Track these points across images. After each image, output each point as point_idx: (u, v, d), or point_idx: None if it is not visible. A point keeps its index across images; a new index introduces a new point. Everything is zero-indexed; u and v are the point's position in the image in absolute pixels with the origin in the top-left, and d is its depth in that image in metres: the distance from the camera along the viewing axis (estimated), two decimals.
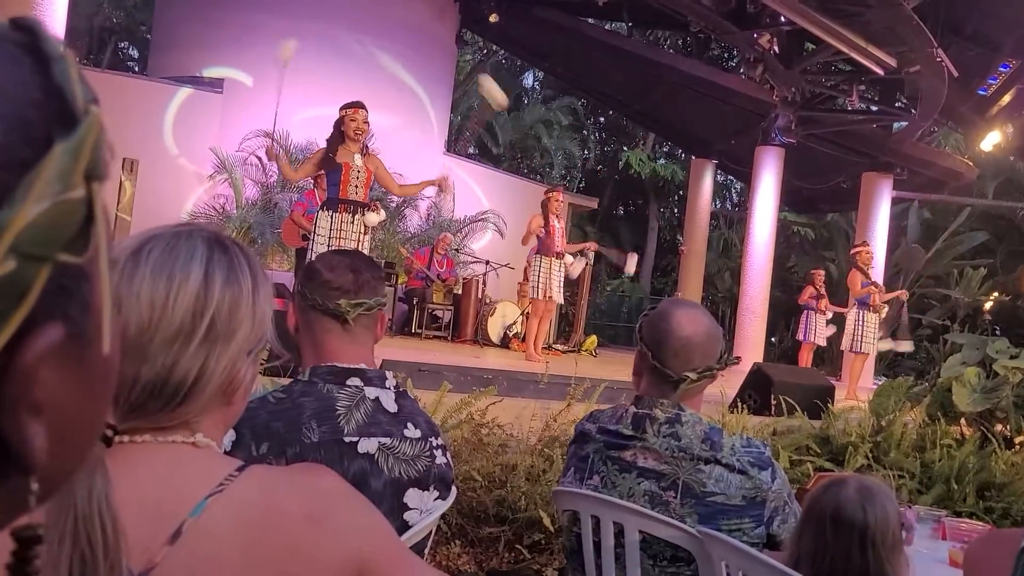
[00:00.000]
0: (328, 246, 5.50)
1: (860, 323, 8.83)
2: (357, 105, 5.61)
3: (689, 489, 1.67)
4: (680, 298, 1.69)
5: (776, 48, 10.90)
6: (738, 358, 1.97)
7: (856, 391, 8.44)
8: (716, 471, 1.67)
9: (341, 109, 5.66)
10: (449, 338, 10.09)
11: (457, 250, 11.84)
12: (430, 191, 12.40)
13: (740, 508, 1.66)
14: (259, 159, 10.91)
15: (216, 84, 11.14)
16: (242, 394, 0.88)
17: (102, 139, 0.33)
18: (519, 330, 9.98)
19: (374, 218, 5.65)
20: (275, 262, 10.29)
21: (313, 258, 5.53)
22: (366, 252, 5.67)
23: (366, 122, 5.64)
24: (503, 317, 10.05)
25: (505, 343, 9.85)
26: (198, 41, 11.45)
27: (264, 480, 0.81)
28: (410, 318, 10.16)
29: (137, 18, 19.11)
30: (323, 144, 5.82)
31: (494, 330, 9.94)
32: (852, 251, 9.41)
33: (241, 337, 0.84)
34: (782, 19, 10.15)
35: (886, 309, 9.10)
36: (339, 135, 5.59)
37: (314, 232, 5.66)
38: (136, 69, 18.87)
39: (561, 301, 8.23)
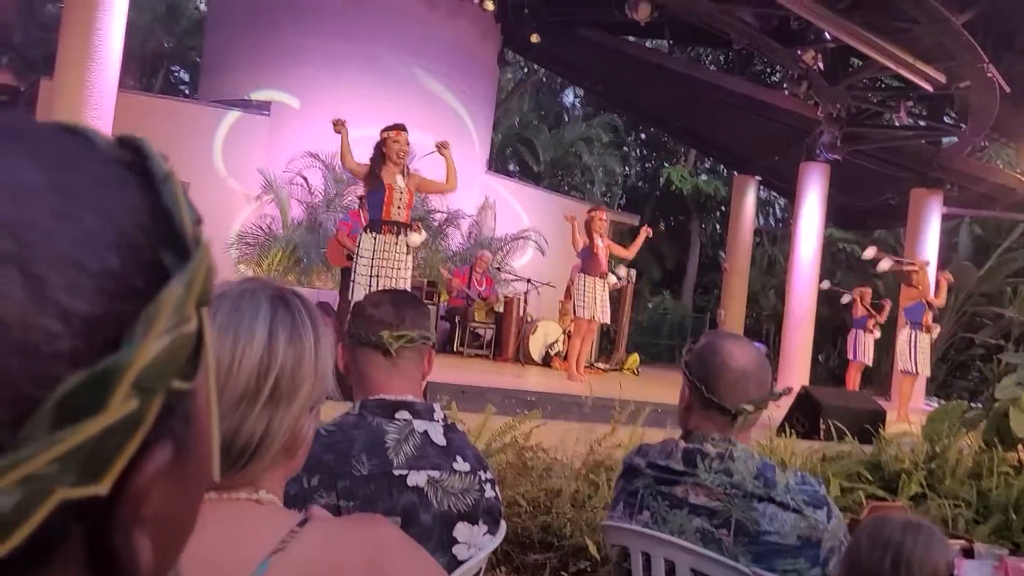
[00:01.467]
0: (371, 266, 5.56)
1: (912, 343, 8.61)
2: (399, 128, 5.66)
3: (742, 527, 1.64)
4: (722, 330, 1.68)
5: (821, 65, 10.78)
6: (789, 389, 1.94)
7: (908, 413, 8.25)
8: (770, 509, 1.64)
9: (382, 132, 5.71)
10: (491, 356, 10.10)
11: (498, 268, 11.86)
12: (470, 209, 12.50)
13: (795, 548, 1.62)
14: (304, 179, 11.08)
15: (264, 107, 11.37)
16: (304, 448, 0.89)
17: (212, 267, 0.34)
18: (561, 349, 9.96)
19: (416, 238, 5.69)
20: (320, 281, 10.42)
21: (355, 278, 5.60)
22: (409, 271, 5.71)
23: (407, 144, 5.68)
24: (545, 335, 10.03)
25: (547, 362, 9.83)
26: (246, 65, 11.70)
27: (324, 535, 0.82)
28: (452, 336, 10.19)
29: (188, 43, 19.59)
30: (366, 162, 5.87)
31: (536, 348, 9.93)
32: (906, 269, 9.14)
33: (304, 394, 0.85)
34: (827, 36, 10.04)
35: (937, 329, 8.89)
36: (380, 157, 5.65)
37: (357, 253, 5.70)
38: (187, 93, 19.32)
39: (607, 321, 8.18)
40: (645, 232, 8.35)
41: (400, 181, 5.63)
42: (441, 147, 6.00)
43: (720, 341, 1.76)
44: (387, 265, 5.58)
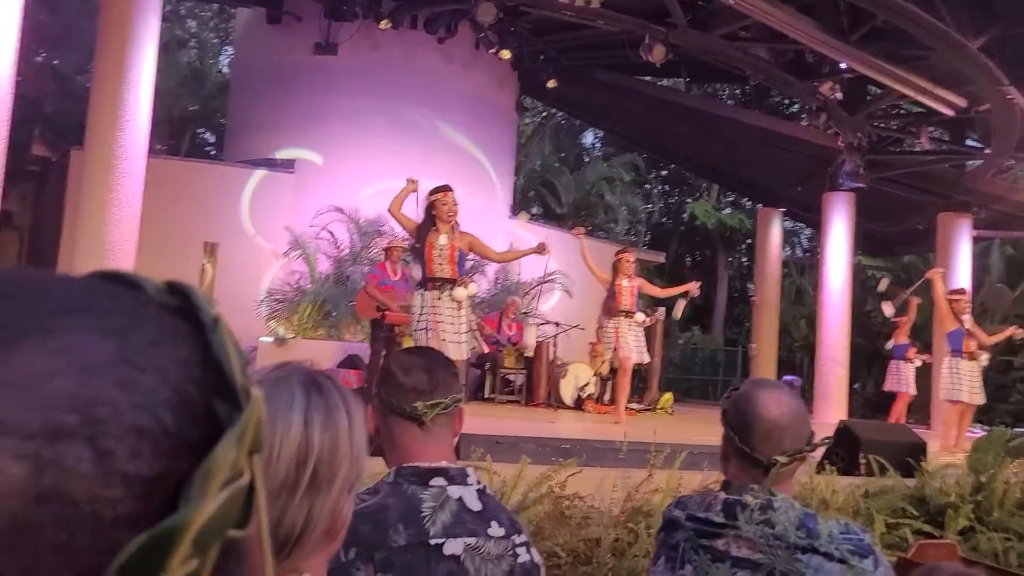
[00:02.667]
0: (420, 322, 5.65)
1: (954, 371, 8.41)
2: (446, 189, 5.80)
3: None
4: (762, 378, 1.66)
5: (839, 95, 10.79)
6: (829, 439, 1.91)
7: (959, 441, 8.04)
8: (815, 560, 1.60)
9: (430, 195, 5.80)
10: (523, 402, 10.06)
11: (526, 313, 11.87)
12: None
13: None
14: (331, 234, 11.22)
15: (288, 165, 11.58)
16: (344, 529, 0.89)
17: (263, 418, 0.35)
18: (593, 391, 9.89)
19: (461, 293, 5.74)
20: (349, 334, 10.48)
21: (414, 335, 5.70)
22: (463, 325, 5.77)
23: (456, 203, 5.78)
24: (576, 378, 9.98)
25: (579, 405, 9.77)
26: (269, 124, 11.94)
27: None
28: (483, 383, 10.17)
29: (213, 105, 20.06)
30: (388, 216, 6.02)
31: (567, 392, 9.88)
32: (949, 298, 8.93)
33: (342, 477, 0.85)
34: (843, 67, 10.06)
35: (985, 356, 8.65)
36: (431, 219, 5.75)
37: (413, 312, 5.84)
38: (212, 154, 19.74)
39: (645, 360, 8.12)
40: (690, 288, 8.37)
41: (442, 239, 5.71)
42: (541, 250, 6.51)
43: (756, 391, 1.74)
44: (442, 320, 5.65)
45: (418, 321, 5.68)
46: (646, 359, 8.07)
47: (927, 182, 12.98)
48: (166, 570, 0.29)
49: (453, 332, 5.66)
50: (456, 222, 5.83)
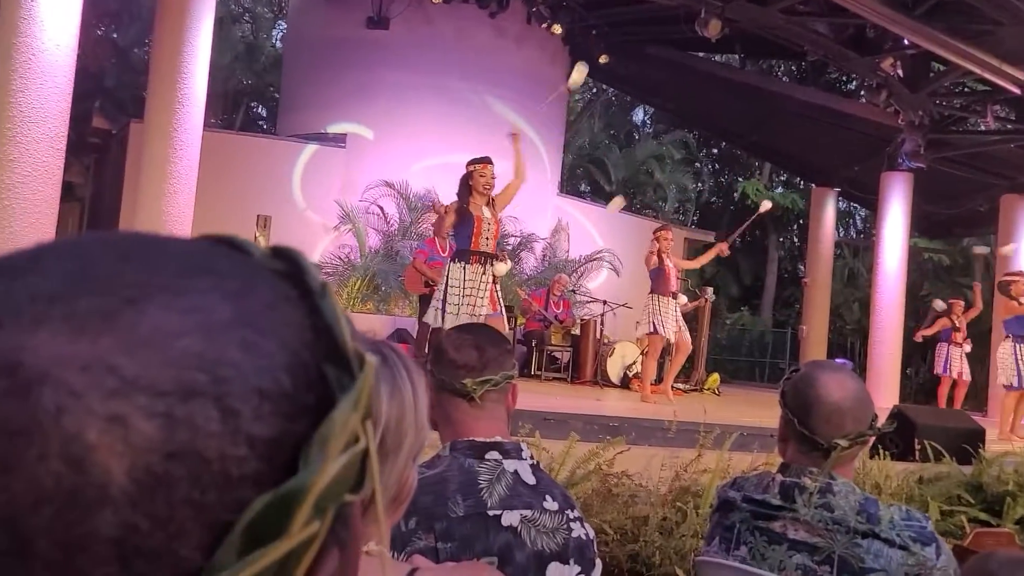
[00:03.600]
0: (460, 295, 5.64)
1: (1017, 356, 8.17)
2: (485, 160, 5.76)
3: (846, 564, 1.59)
4: (823, 360, 1.62)
5: (900, 72, 10.48)
6: (893, 423, 1.87)
7: (1015, 429, 7.84)
8: (875, 546, 1.58)
9: (469, 164, 5.80)
10: (568, 379, 10.06)
11: (573, 291, 11.85)
12: (543, 232, 12.52)
13: None
14: (380, 208, 11.31)
15: (339, 139, 11.67)
16: (408, 497, 0.90)
17: (376, 384, 0.35)
18: (639, 370, 9.86)
19: (502, 268, 5.79)
20: (398, 308, 10.57)
21: (446, 307, 5.67)
22: (498, 301, 5.76)
23: (494, 176, 5.75)
24: (622, 357, 9.95)
25: (625, 383, 9.74)
26: (322, 99, 12.04)
27: None
28: (529, 360, 10.20)
29: (266, 80, 20.28)
30: (437, 192, 5.97)
31: (614, 370, 9.86)
32: (1005, 280, 8.71)
33: (408, 446, 0.86)
34: (905, 42, 9.77)
35: None
36: (467, 190, 5.73)
37: (446, 283, 5.78)
38: (265, 128, 19.98)
39: (686, 338, 8.05)
40: (719, 249, 8.16)
41: (487, 212, 5.72)
42: (514, 137, 6.03)
43: (817, 372, 1.72)
44: (476, 295, 5.65)
45: (459, 294, 5.65)
46: (687, 337, 7.98)
47: (990, 163, 12.58)
48: (289, 531, 0.30)
49: (484, 307, 5.67)
50: (492, 196, 5.81)
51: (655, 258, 7.68)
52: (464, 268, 5.69)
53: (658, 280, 7.63)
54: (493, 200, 5.83)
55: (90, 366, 0.29)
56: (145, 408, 0.28)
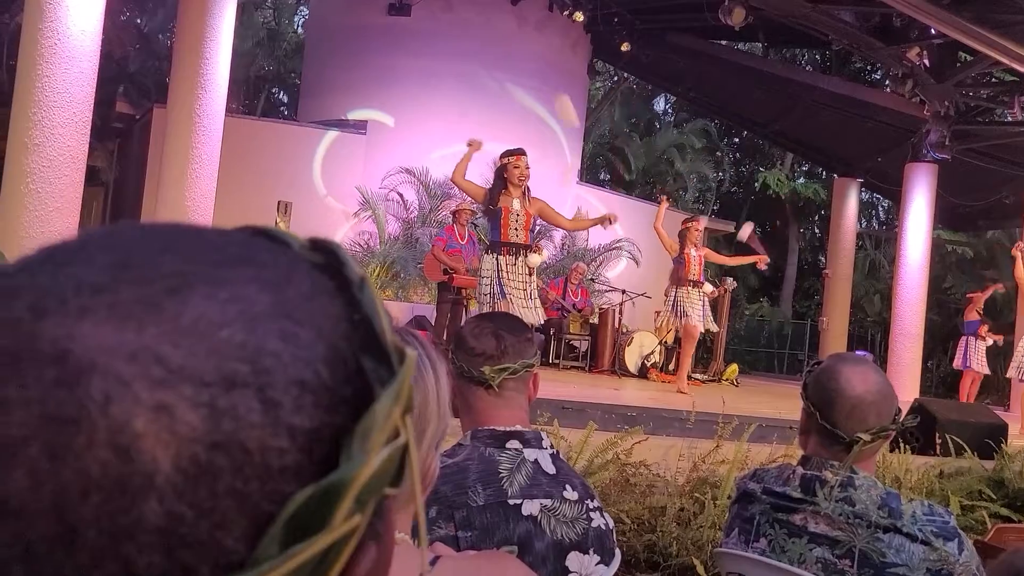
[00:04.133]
0: (493, 286, 5.66)
1: None
2: (519, 152, 5.78)
3: (867, 559, 1.58)
4: (846, 352, 1.61)
5: (926, 61, 10.34)
6: (916, 417, 1.86)
7: None
8: (896, 540, 1.57)
9: (502, 157, 5.80)
10: (586, 368, 10.06)
11: (592, 279, 11.81)
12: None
13: None
14: (400, 195, 11.32)
15: (360, 126, 11.68)
16: (431, 484, 0.90)
17: (432, 378, 0.35)
18: (658, 360, 9.84)
19: (536, 259, 5.79)
20: (417, 295, 10.60)
21: (478, 297, 5.73)
22: (534, 291, 5.79)
23: (528, 168, 5.76)
24: (641, 347, 9.93)
25: (643, 373, 9.73)
26: (343, 85, 12.05)
27: (456, 574, 0.83)
28: (547, 348, 10.20)
29: (288, 66, 20.32)
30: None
31: (632, 360, 9.84)
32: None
33: (430, 434, 0.86)
34: (932, 32, 9.63)
35: None
36: (502, 182, 5.74)
37: (480, 275, 5.83)
38: (286, 114, 20.03)
39: (712, 328, 8.05)
40: (759, 259, 8.19)
41: (516, 204, 5.72)
42: (611, 220, 6.36)
43: (840, 365, 1.70)
44: (511, 286, 5.67)
45: (487, 285, 5.69)
46: (713, 327, 7.98)
47: (1016, 154, 12.40)
48: (331, 524, 0.30)
49: (526, 298, 5.68)
50: (527, 187, 5.82)
51: (676, 247, 7.66)
52: (496, 260, 5.72)
53: (678, 269, 7.61)
54: (529, 193, 5.84)
55: (136, 355, 0.29)
56: (190, 398, 0.29)
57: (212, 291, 0.31)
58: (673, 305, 7.61)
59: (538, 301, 5.92)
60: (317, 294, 0.33)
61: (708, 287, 7.79)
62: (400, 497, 0.88)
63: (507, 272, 5.66)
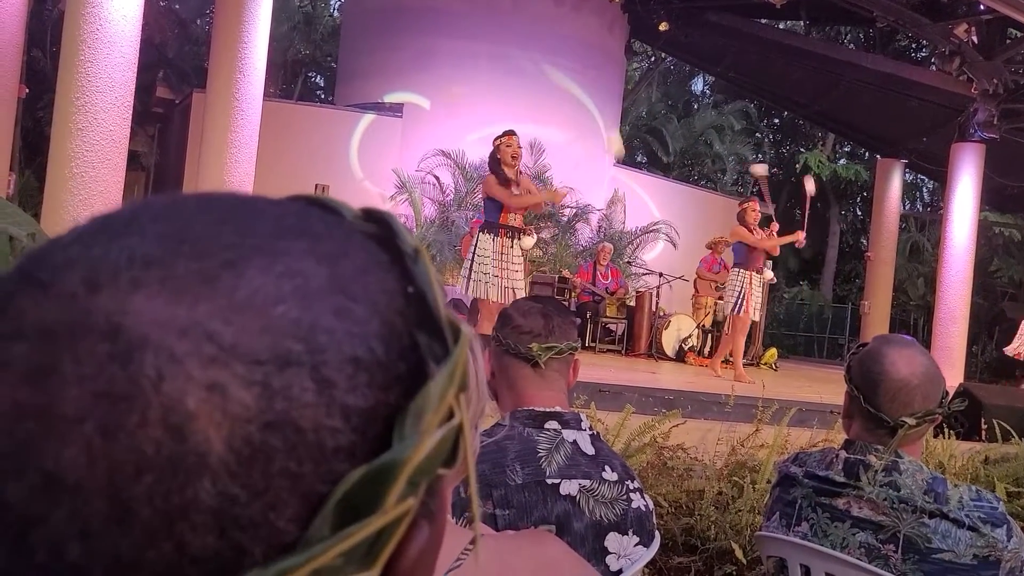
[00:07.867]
0: (492, 265, 5.69)
1: None
2: (510, 133, 5.80)
3: (912, 544, 1.55)
4: (892, 334, 1.57)
5: (974, 38, 10.07)
6: (963, 400, 1.82)
7: None
8: (943, 526, 1.54)
9: (495, 140, 5.82)
10: (622, 352, 10.02)
11: (629, 262, 11.73)
12: (599, 203, 12.39)
13: (971, 568, 1.52)
14: (436, 178, 11.33)
15: (396, 109, 11.71)
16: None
17: (469, 355, 0.34)
18: (695, 343, 9.75)
19: (528, 242, 5.94)
20: (453, 278, 10.62)
21: (476, 276, 5.77)
22: (522, 274, 5.86)
23: (520, 147, 5.79)
24: (678, 330, 9.86)
25: (680, 356, 9.66)
26: (379, 69, 12.07)
27: (497, 553, 0.82)
28: (583, 331, 10.17)
29: (325, 50, 20.42)
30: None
31: (669, 343, 9.77)
32: None
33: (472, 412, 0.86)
34: (981, 7, 9.37)
35: None
36: (496, 163, 5.75)
37: (473, 252, 5.81)
38: (323, 97, 20.14)
39: (758, 319, 7.87)
40: (796, 238, 7.80)
41: (515, 189, 5.73)
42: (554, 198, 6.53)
43: (885, 348, 1.67)
44: (508, 267, 5.70)
45: (491, 264, 5.68)
46: (758, 317, 7.84)
47: None
48: (384, 506, 0.29)
49: (519, 282, 5.75)
50: (519, 168, 5.81)
51: (746, 232, 7.33)
52: (494, 240, 5.74)
53: (749, 255, 7.27)
54: (520, 173, 5.84)
55: (188, 331, 0.28)
56: (243, 377, 0.28)
57: (268, 264, 0.30)
58: (738, 289, 7.21)
59: (527, 280, 5.95)
60: (371, 267, 0.33)
61: (768, 273, 7.58)
62: (450, 476, 0.88)
63: (504, 253, 5.70)
